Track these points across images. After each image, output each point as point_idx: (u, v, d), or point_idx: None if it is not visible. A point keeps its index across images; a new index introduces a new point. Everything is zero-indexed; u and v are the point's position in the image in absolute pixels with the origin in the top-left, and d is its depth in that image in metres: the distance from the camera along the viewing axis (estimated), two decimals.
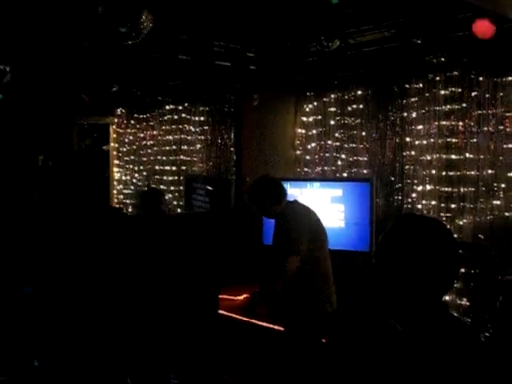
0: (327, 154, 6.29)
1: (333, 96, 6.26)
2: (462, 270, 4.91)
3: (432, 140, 5.34)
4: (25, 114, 8.41)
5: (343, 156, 6.15)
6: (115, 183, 9.55)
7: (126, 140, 9.31)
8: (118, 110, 9.39)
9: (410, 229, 1.58)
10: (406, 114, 5.59)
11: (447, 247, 1.55)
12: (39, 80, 7.22)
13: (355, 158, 6.03)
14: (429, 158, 5.35)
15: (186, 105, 7.93)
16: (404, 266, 1.53)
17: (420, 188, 5.41)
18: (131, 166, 9.21)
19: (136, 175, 9.10)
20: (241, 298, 6.01)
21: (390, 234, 1.61)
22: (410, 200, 5.51)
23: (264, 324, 4.96)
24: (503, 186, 4.94)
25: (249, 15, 4.88)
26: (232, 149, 7.05)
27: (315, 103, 6.47)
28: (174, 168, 8.12)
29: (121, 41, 4.50)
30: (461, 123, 5.18)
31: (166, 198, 7.16)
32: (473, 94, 5.08)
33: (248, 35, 5.66)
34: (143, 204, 4.85)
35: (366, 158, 5.94)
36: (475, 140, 5.07)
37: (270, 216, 3.86)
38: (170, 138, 8.23)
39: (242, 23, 5.17)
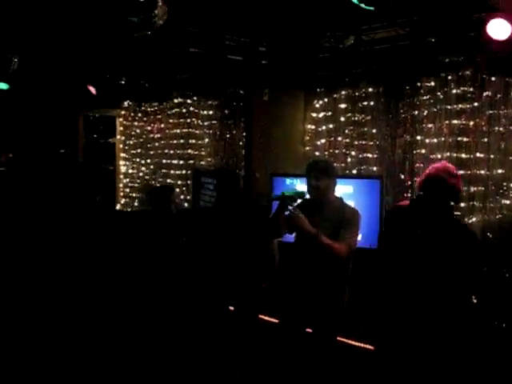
0: (337, 151, 6.30)
1: (343, 92, 6.26)
2: None
3: (442, 139, 5.36)
4: (30, 105, 8.40)
5: (353, 153, 6.16)
6: (121, 176, 9.52)
7: (133, 133, 9.27)
8: (126, 103, 9.34)
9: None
10: (416, 112, 5.60)
11: (476, 253, 1.59)
12: (46, 70, 7.20)
13: (365, 155, 6.04)
14: (439, 156, 5.36)
15: (194, 98, 7.92)
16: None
17: None
18: (138, 160, 9.17)
19: (143, 169, 9.07)
20: None
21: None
22: None
23: (273, 320, 4.96)
24: None
25: (261, 9, 4.87)
26: (240, 143, 7.04)
27: (325, 99, 6.47)
28: (181, 162, 8.09)
29: (132, 32, 4.48)
30: (472, 122, 5.20)
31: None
32: (484, 93, 5.10)
33: (260, 29, 5.64)
34: (152, 201, 4.82)
35: (375, 156, 5.95)
36: (486, 139, 5.09)
37: (323, 195, 3.50)
38: (178, 131, 8.21)
39: (255, 17, 5.15)
